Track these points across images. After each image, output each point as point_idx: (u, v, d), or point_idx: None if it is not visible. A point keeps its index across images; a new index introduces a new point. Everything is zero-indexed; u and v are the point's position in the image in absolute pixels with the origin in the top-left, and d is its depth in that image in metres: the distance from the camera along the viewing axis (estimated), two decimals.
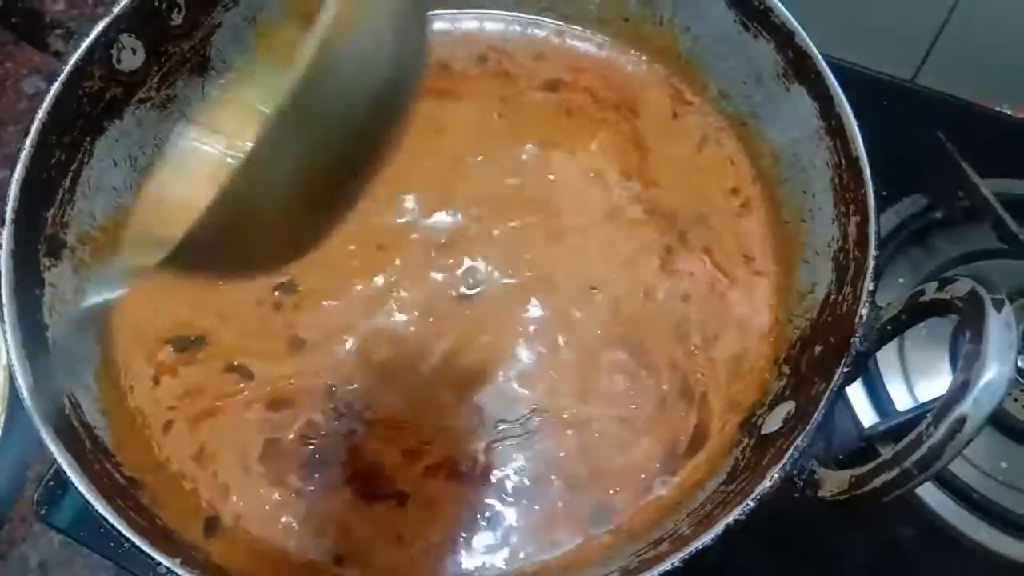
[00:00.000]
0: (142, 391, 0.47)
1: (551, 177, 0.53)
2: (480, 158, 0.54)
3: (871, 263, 0.41)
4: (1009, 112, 0.72)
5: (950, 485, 0.55)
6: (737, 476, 0.42)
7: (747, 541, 0.51)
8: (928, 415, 0.34)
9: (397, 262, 0.50)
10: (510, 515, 0.44)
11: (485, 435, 0.46)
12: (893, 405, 0.56)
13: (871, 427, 0.56)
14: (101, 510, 0.37)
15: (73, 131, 0.47)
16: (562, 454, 0.45)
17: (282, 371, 0.47)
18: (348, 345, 0.48)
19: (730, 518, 0.36)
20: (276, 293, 0.49)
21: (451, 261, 0.50)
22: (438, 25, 0.59)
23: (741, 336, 0.49)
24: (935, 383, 0.58)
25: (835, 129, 0.46)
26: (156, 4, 0.50)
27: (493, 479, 0.45)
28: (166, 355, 0.48)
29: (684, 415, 0.47)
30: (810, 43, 0.47)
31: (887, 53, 0.74)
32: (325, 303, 0.49)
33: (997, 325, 0.33)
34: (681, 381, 0.47)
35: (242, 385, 0.47)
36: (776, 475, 0.37)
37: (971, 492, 0.54)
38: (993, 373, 0.33)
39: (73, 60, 0.46)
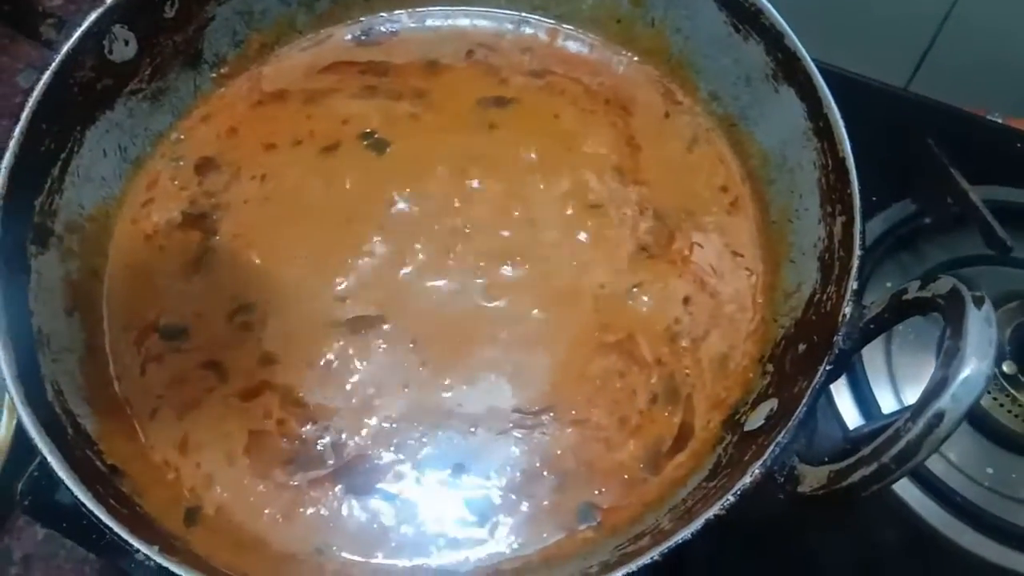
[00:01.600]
0: (129, 379, 0.47)
1: (539, 178, 0.53)
2: (466, 151, 0.54)
3: (856, 263, 0.41)
4: (999, 120, 0.73)
5: (936, 490, 0.55)
6: (719, 472, 0.42)
7: (731, 543, 0.52)
8: (908, 412, 0.34)
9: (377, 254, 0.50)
10: (499, 509, 0.44)
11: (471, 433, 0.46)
12: (879, 408, 0.56)
13: (855, 429, 0.55)
14: (81, 496, 0.37)
15: (64, 120, 0.47)
16: (559, 451, 0.45)
17: (256, 377, 0.47)
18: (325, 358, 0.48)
19: (710, 513, 0.36)
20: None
21: (450, 260, 0.50)
22: (428, 22, 0.59)
23: (729, 334, 0.49)
24: (921, 387, 0.57)
25: (823, 130, 0.46)
26: None
27: (481, 475, 0.45)
28: (154, 343, 0.48)
29: (669, 415, 0.46)
30: (799, 45, 0.47)
31: (881, 61, 0.75)
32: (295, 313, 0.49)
33: (977, 321, 0.34)
34: (668, 380, 0.47)
35: (218, 382, 0.47)
36: (757, 471, 0.37)
37: (956, 497, 0.54)
38: (971, 369, 0.33)
39: (65, 50, 0.47)
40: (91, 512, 0.37)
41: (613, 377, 0.47)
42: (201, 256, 0.50)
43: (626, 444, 0.46)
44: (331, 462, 0.45)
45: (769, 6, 0.49)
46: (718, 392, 0.47)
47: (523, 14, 0.59)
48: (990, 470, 0.57)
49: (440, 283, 0.49)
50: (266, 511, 0.44)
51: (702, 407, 0.47)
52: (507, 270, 0.50)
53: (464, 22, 0.59)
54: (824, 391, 0.40)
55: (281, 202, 0.52)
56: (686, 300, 0.49)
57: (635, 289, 0.50)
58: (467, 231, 0.51)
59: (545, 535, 0.43)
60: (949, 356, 0.33)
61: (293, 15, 0.57)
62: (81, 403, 0.44)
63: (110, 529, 0.36)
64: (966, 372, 0.33)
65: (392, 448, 0.45)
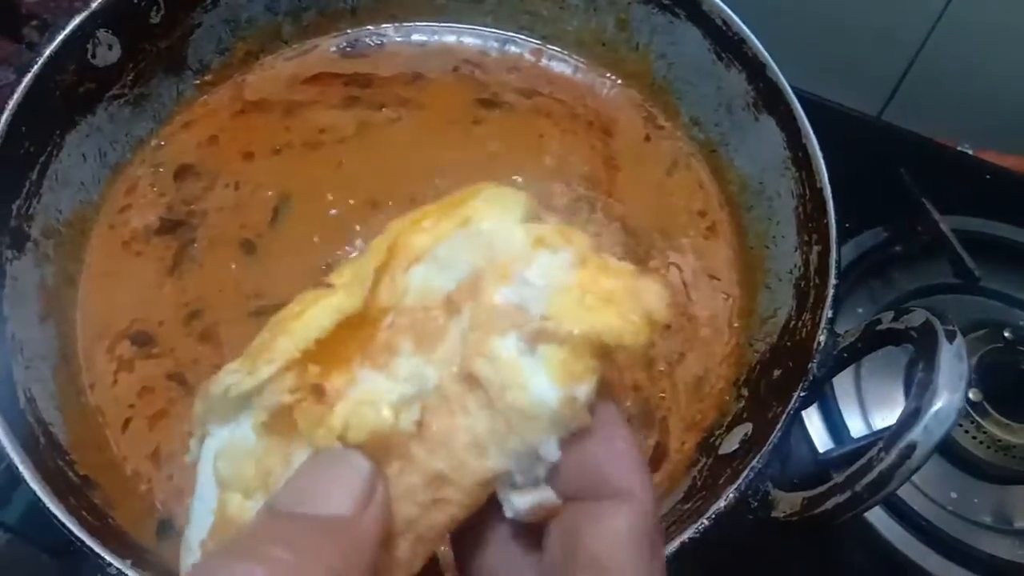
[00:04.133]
0: (102, 388, 0.46)
1: (517, 179, 0.54)
2: (449, 160, 0.54)
3: (831, 291, 0.42)
4: (970, 152, 0.74)
5: (901, 513, 0.56)
6: (693, 495, 0.42)
7: (703, 565, 0.52)
8: (880, 441, 0.35)
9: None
10: None
11: None
12: (848, 432, 0.57)
13: (825, 452, 0.57)
14: (52, 508, 0.36)
15: (44, 123, 0.47)
16: None
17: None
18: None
19: (685, 536, 0.37)
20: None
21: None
22: (415, 36, 0.59)
23: (704, 357, 0.49)
24: (889, 412, 0.59)
25: (801, 160, 0.47)
26: (136, 1, 0.50)
27: None
28: (125, 349, 0.47)
29: (644, 437, 0.47)
30: (780, 75, 0.48)
31: (856, 90, 0.76)
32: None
33: (949, 356, 0.35)
34: (643, 404, 0.48)
35: (182, 392, 0.46)
36: (731, 495, 0.38)
37: (921, 521, 0.55)
38: (943, 402, 0.34)
39: (47, 53, 0.46)
40: (63, 524, 0.36)
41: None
42: (177, 263, 0.50)
43: None
44: None
45: (752, 36, 0.50)
46: (693, 414, 0.47)
47: (509, 33, 0.59)
48: (954, 494, 0.58)
49: None
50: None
51: (677, 428, 0.47)
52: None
53: (450, 38, 0.60)
54: (797, 416, 0.41)
55: (258, 209, 0.52)
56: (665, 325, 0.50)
57: None
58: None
59: None
60: (922, 388, 0.34)
61: (279, 25, 0.57)
62: (54, 412, 0.43)
63: (82, 542, 0.36)
64: (938, 405, 0.33)
65: None
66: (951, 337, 0.35)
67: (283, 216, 0.52)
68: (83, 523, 0.37)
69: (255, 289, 0.49)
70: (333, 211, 0.52)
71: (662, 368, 0.49)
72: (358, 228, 0.51)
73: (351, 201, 0.52)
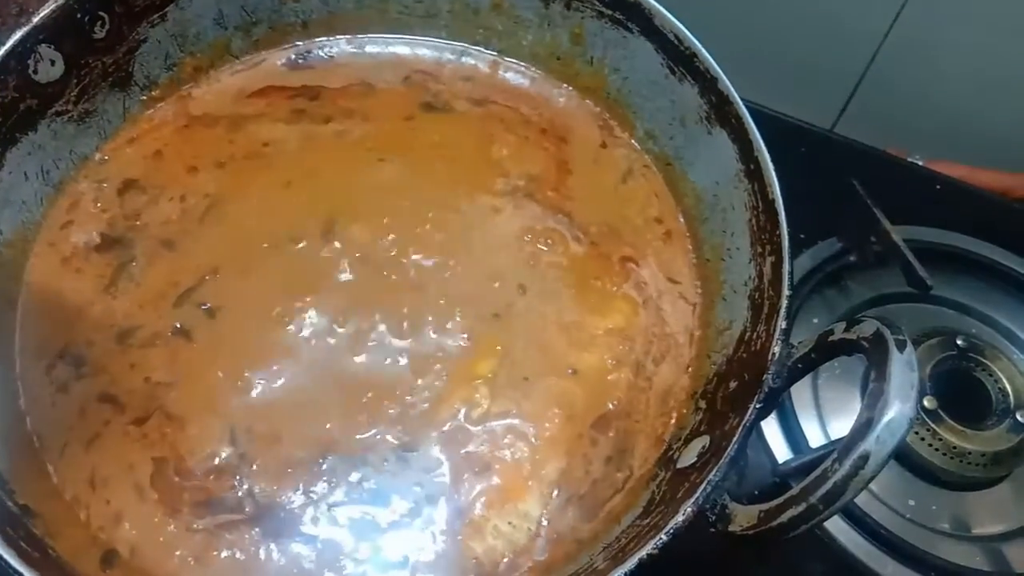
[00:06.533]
0: (40, 412, 0.45)
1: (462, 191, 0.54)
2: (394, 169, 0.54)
3: (784, 303, 0.42)
4: (920, 163, 0.76)
5: (860, 522, 0.56)
6: (652, 510, 0.42)
7: None
8: (835, 451, 0.35)
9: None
10: (428, 545, 0.43)
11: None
12: (807, 442, 0.58)
13: (784, 462, 0.57)
14: None
15: None
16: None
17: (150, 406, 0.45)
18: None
19: (643, 552, 0.36)
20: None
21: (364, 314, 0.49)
22: (368, 48, 0.59)
23: (675, 366, 0.49)
24: (847, 421, 0.58)
25: (753, 173, 0.47)
26: (79, 16, 0.48)
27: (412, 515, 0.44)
28: (61, 371, 0.46)
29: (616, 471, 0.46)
30: (731, 89, 0.49)
31: (808, 103, 0.77)
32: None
33: (899, 365, 0.35)
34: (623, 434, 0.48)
35: (114, 413, 0.45)
36: (689, 509, 0.37)
37: (880, 529, 0.56)
38: (895, 411, 0.34)
39: None
40: (1, 557, 0.35)
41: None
42: (114, 281, 0.49)
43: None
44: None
45: (703, 50, 0.50)
46: (656, 428, 0.47)
47: (465, 45, 0.59)
48: (912, 502, 0.58)
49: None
50: (177, 552, 0.42)
51: (643, 445, 0.47)
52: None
53: (404, 50, 0.59)
54: (754, 428, 0.41)
55: (200, 221, 0.51)
56: (638, 316, 0.50)
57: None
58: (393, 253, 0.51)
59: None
60: (873, 398, 0.34)
61: (229, 39, 0.56)
62: None
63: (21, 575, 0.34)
64: (890, 415, 0.34)
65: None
66: (901, 347, 0.35)
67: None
68: (22, 555, 0.35)
69: None
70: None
71: (649, 372, 0.49)
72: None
73: (294, 209, 0.52)
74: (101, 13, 0.49)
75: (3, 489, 0.40)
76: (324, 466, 0.44)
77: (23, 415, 0.45)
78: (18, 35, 0.46)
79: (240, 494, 0.43)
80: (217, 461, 0.44)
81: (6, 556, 0.35)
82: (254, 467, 0.44)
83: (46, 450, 0.44)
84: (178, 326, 0.47)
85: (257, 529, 0.43)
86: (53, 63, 0.48)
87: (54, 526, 0.41)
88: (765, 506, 0.37)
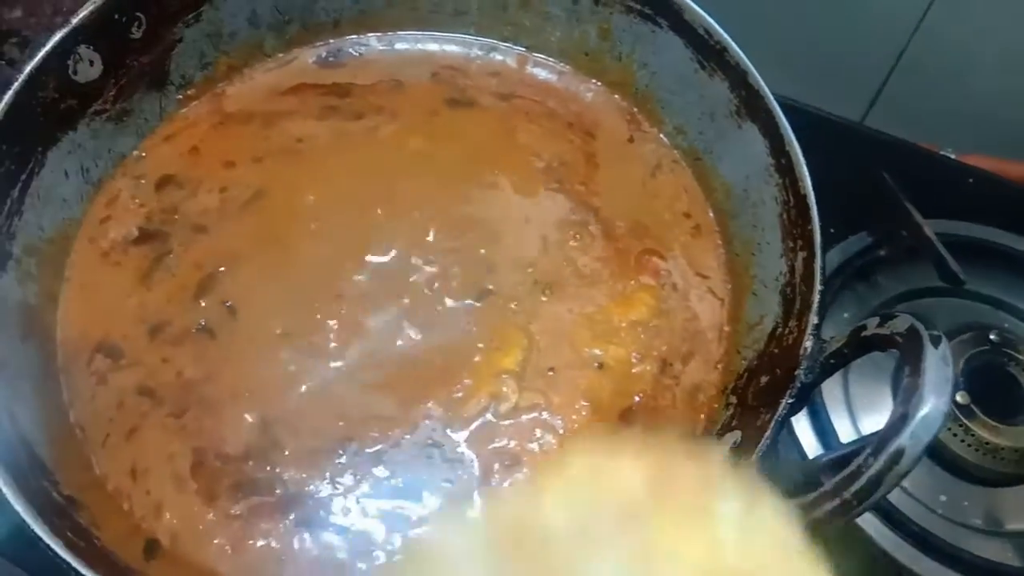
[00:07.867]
0: (82, 404, 0.46)
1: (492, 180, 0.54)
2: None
3: (816, 298, 0.42)
4: (952, 155, 0.75)
5: (891, 517, 0.56)
6: None
7: None
8: (868, 447, 0.35)
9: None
10: None
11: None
12: (837, 437, 0.58)
13: (815, 458, 0.56)
14: (38, 530, 0.36)
15: (25, 141, 0.46)
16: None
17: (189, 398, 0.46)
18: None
19: None
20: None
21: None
22: (398, 45, 0.59)
23: (704, 363, 0.49)
24: (877, 416, 0.59)
25: (784, 167, 0.47)
26: (116, 17, 0.49)
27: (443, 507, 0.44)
28: (100, 363, 0.47)
29: None
30: (762, 83, 0.49)
31: (838, 95, 0.77)
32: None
33: (934, 360, 0.35)
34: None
35: (152, 405, 0.46)
36: None
37: (911, 524, 0.55)
38: (930, 407, 0.34)
39: (28, 69, 0.46)
40: (48, 546, 0.36)
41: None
42: (150, 273, 0.50)
43: None
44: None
45: (733, 44, 0.50)
46: (685, 422, 0.47)
47: (494, 42, 0.59)
48: (943, 498, 0.58)
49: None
50: (215, 541, 0.43)
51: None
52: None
53: (433, 47, 0.60)
54: (786, 423, 0.41)
55: (236, 217, 0.52)
56: (665, 313, 0.50)
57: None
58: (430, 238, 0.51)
59: None
60: (908, 393, 0.34)
61: (262, 38, 0.57)
62: (36, 431, 0.43)
63: (68, 564, 0.35)
64: (925, 410, 0.33)
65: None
66: (936, 342, 0.35)
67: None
68: (69, 545, 0.36)
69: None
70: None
71: (676, 368, 0.49)
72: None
73: (328, 203, 0.52)
74: (138, 14, 0.50)
75: (48, 480, 0.41)
76: (345, 458, 0.45)
77: (66, 408, 0.46)
78: (58, 36, 0.47)
79: (272, 479, 0.44)
80: (249, 448, 0.45)
81: (53, 546, 0.36)
82: (286, 452, 0.45)
83: (89, 442, 0.45)
84: (203, 323, 0.48)
85: (291, 517, 0.43)
86: (92, 64, 0.49)
87: (98, 516, 0.42)
88: (799, 501, 0.37)
